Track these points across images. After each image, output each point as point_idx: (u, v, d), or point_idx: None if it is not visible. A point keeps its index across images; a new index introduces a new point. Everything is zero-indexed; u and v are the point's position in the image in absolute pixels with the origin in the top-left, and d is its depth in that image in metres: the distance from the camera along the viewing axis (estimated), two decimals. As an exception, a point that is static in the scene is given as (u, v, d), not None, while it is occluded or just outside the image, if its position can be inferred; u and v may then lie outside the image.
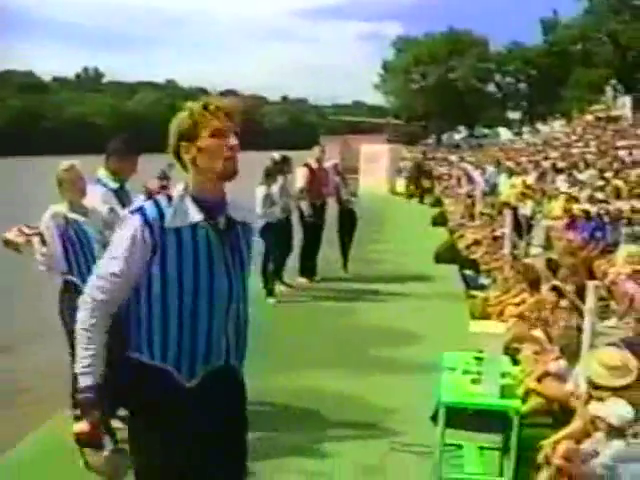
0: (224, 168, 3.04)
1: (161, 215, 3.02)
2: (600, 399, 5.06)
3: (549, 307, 7.69)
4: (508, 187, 20.88)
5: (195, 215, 3.04)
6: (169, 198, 3.08)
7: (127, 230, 3.01)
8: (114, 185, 6.25)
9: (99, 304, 3.08)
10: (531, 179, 21.44)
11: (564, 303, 7.41)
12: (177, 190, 3.11)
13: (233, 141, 3.05)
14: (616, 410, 4.84)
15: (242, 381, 3.48)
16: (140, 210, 3.04)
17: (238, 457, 3.49)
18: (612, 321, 8.18)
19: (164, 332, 3.04)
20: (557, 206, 15.87)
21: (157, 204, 3.05)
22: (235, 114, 3.08)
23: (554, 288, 7.68)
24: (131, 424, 3.25)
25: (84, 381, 3.08)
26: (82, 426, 3.06)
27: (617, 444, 4.73)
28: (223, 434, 3.31)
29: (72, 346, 5.55)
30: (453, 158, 42.79)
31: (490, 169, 27.28)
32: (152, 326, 3.05)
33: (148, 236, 2.98)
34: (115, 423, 6.28)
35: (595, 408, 5.07)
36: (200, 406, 3.13)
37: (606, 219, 12.51)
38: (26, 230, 5.27)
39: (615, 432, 4.78)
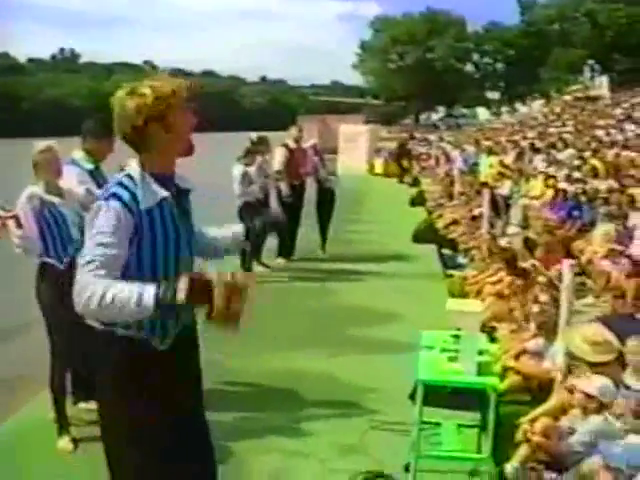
0: (188, 144, 3.27)
1: (134, 196, 3.13)
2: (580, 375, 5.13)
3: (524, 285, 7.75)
4: (487, 167, 20.93)
5: (161, 192, 3.20)
6: (130, 177, 3.20)
7: (110, 215, 3.07)
8: (89, 166, 6.21)
9: (101, 279, 2.99)
10: (509, 159, 21.49)
11: (541, 279, 7.45)
12: (133, 169, 3.23)
13: (193, 119, 3.27)
14: (597, 383, 4.90)
15: (197, 341, 3.58)
16: (115, 195, 3.11)
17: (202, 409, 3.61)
18: (589, 299, 8.22)
19: None
20: (536, 185, 15.94)
21: (126, 187, 3.15)
22: (193, 91, 3.31)
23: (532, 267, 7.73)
24: (114, 397, 3.31)
25: (152, 302, 2.89)
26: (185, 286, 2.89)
27: (595, 420, 4.78)
28: (195, 388, 3.54)
29: (49, 327, 5.55)
30: (432, 138, 42.82)
31: (469, 149, 27.33)
32: None
33: (130, 218, 3.08)
34: (94, 405, 6.32)
35: (577, 381, 5.13)
36: (173, 366, 3.32)
37: (583, 198, 12.58)
38: (1, 213, 5.22)
39: (593, 408, 4.83)
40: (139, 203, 3.12)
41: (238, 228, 3.86)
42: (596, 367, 5.13)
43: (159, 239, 3.19)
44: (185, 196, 3.43)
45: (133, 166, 3.26)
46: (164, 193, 3.20)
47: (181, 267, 3.26)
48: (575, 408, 5.03)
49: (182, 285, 2.87)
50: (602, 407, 4.85)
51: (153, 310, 2.89)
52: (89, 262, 3.03)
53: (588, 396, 4.88)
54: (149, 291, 2.89)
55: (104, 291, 2.92)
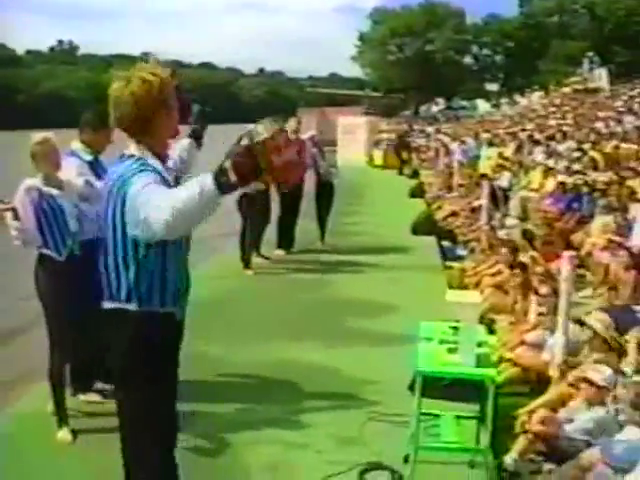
0: (175, 131, 3.51)
1: (160, 173, 3.34)
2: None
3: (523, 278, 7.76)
4: (485, 159, 20.91)
5: (162, 171, 3.38)
6: (139, 161, 3.33)
7: (150, 179, 3.19)
8: (89, 157, 6.20)
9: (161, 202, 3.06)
10: (509, 151, 21.46)
11: (539, 270, 7.45)
12: (140, 153, 3.36)
13: (177, 106, 3.45)
14: (605, 374, 4.94)
15: None
16: (142, 171, 3.25)
17: None
18: (587, 291, 8.23)
19: (163, 279, 3.38)
20: (535, 177, 15.92)
21: (148, 167, 3.30)
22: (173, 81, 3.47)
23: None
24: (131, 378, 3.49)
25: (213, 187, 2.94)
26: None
27: (598, 409, 4.81)
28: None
29: (48, 317, 5.55)
30: (429, 130, 42.75)
31: (470, 141, 27.29)
32: (153, 276, 3.35)
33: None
34: (93, 397, 6.35)
35: (581, 370, 5.17)
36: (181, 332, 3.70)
37: (584, 190, 12.55)
38: (-1, 205, 5.21)
39: (597, 398, 4.86)
40: (166, 179, 3.35)
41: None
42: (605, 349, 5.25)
43: None
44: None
45: (137, 151, 3.38)
46: (164, 173, 3.38)
47: (179, 243, 3.46)
48: (576, 399, 5.05)
49: (230, 163, 2.94)
50: (606, 398, 4.89)
51: (216, 193, 2.91)
52: (152, 193, 3.10)
53: (596, 386, 4.91)
54: (206, 179, 2.94)
55: (168, 199, 3.00)
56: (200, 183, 2.93)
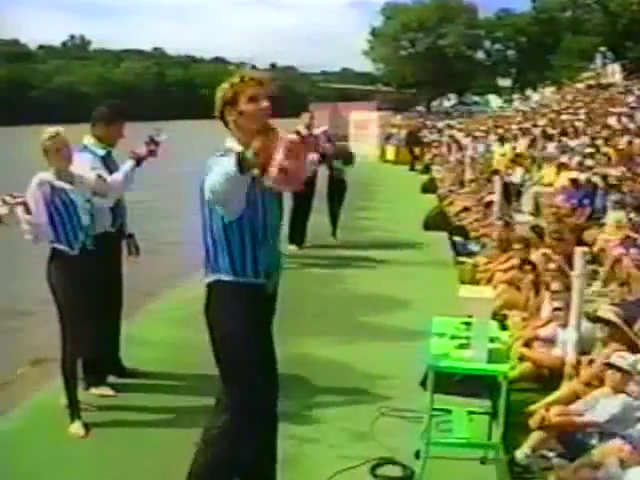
0: (259, 126, 3.69)
1: None
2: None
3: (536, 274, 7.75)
4: (498, 155, 20.86)
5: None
6: (230, 153, 3.63)
7: (227, 167, 3.48)
8: (101, 152, 6.22)
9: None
10: (521, 146, 21.41)
11: (551, 266, 7.44)
12: (233, 145, 3.77)
13: (264, 104, 3.79)
14: (625, 357, 4.97)
15: None
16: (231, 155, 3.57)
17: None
18: (599, 287, 8.22)
19: (254, 254, 3.85)
20: (548, 173, 15.88)
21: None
22: (266, 82, 3.87)
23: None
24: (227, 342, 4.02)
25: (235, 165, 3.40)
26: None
27: (620, 397, 4.82)
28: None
29: (61, 315, 5.56)
30: (440, 125, 42.66)
31: (481, 136, 27.26)
32: (246, 251, 3.83)
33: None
34: (105, 391, 6.37)
35: (604, 356, 5.20)
36: (273, 304, 4.22)
37: (601, 184, 12.51)
38: (9, 200, 5.20)
39: (622, 384, 4.88)
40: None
41: None
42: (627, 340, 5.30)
43: (261, 201, 3.83)
44: None
45: (232, 143, 3.80)
46: None
47: (277, 232, 4.09)
48: (592, 393, 5.07)
49: (254, 143, 3.38)
50: (629, 385, 4.93)
51: (238, 173, 3.39)
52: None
53: (622, 372, 4.93)
54: (232, 159, 3.41)
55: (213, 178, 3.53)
56: (226, 166, 3.42)
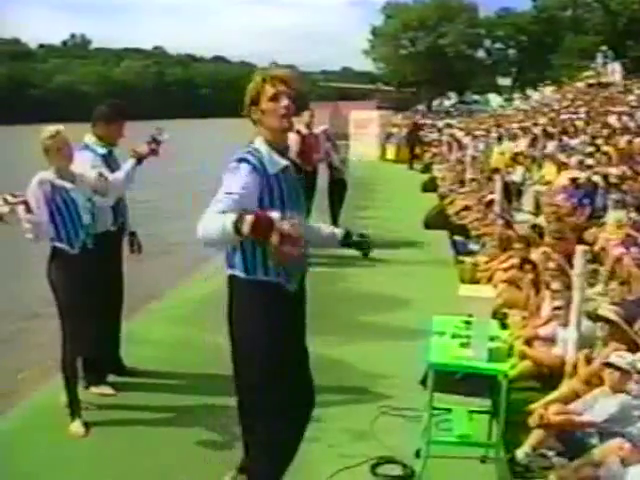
0: (280, 124, 3.91)
1: (260, 162, 3.85)
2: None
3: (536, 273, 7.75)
4: (497, 153, 20.84)
5: (282, 161, 3.95)
6: (256, 149, 3.92)
7: (238, 173, 3.77)
8: (102, 151, 6.23)
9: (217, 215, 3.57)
10: (522, 145, 21.39)
11: (551, 265, 7.44)
12: (259, 142, 3.95)
13: (285, 102, 3.88)
14: (624, 356, 4.97)
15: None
16: (245, 160, 3.83)
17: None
18: (599, 287, 8.21)
19: (265, 252, 3.81)
20: (549, 172, 15.87)
21: (254, 155, 3.87)
22: (289, 80, 3.94)
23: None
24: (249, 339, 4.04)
25: (231, 228, 3.42)
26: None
27: (620, 396, 4.82)
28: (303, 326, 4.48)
29: (61, 313, 5.56)
30: (439, 125, 42.62)
31: (481, 136, 27.24)
32: (266, 251, 3.75)
33: (257, 177, 3.79)
34: (105, 390, 6.37)
35: (604, 355, 5.20)
36: (298, 304, 4.30)
37: (602, 183, 12.50)
38: (10, 199, 5.20)
39: (620, 384, 4.88)
40: (266, 168, 3.85)
41: (339, 232, 4.70)
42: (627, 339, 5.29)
43: (281, 198, 3.90)
44: (293, 165, 4.08)
45: (258, 139, 3.97)
46: (284, 162, 3.95)
47: None
48: (591, 392, 5.07)
49: (249, 219, 3.34)
50: (628, 385, 4.93)
51: (234, 234, 3.40)
52: (214, 204, 3.62)
53: (621, 371, 4.93)
54: (230, 219, 3.41)
55: (207, 221, 3.55)
56: (224, 221, 3.43)
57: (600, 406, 4.88)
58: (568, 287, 6.47)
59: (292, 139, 12.52)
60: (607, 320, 5.74)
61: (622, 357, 5.05)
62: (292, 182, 4.01)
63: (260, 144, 3.94)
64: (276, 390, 4.07)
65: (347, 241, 4.65)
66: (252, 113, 3.97)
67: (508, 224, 10.77)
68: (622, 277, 7.66)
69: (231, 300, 4.09)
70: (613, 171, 13.17)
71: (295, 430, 4.37)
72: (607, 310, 5.84)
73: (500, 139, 23.82)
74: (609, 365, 5.06)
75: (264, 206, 3.77)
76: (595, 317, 5.92)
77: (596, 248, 8.97)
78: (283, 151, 4.01)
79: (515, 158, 18.20)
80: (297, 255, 3.47)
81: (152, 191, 18.21)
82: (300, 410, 4.37)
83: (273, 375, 4.05)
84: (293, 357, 4.25)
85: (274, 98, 3.88)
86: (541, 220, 11.11)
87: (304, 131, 12.51)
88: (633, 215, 10.12)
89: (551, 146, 19.57)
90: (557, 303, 6.59)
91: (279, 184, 3.90)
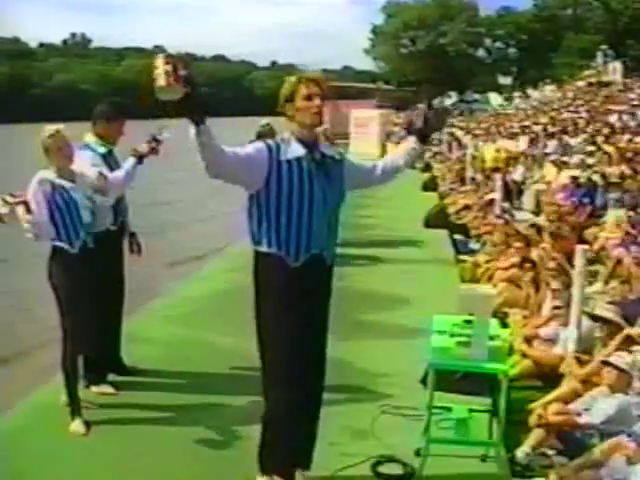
0: (312, 120, 4.31)
1: (277, 148, 4.28)
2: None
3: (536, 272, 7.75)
4: (493, 152, 20.81)
5: (299, 150, 4.30)
6: (282, 140, 4.34)
7: (252, 145, 4.29)
8: (103, 150, 6.23)
9: None
10: (522, 144, 21.40)
11: (551, 265, 7.44)
12: (287, 134, 4.35)
13: (317, 102, 4.26)
14: (622, 356, 4.97)
15: (332, 267, 4.70)
16: (266, 144, 4.30)
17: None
18: (599, 286, 8.21)
19: (277, 228, 4.27)
20: (550, 171, 15.87)
21: (277, 143, 4.31)
22: (321, 83, 4.32)
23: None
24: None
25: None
26: None
27: (619, 396, 4.82)
28: (323, 307, 4.69)
29: (61, 309, 5.56)
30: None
31: (480, 135, 27.27)
32: (269, 224, 4.27)
33: (266, 157, 4.23)
34: (106, 389, 6.37)
35: (604, 355, 5.19)
36: (303, 283, 4.37)
37: (601, 182, 12.50)
38: (9, 199, 5.19)
39: (619, 384, 4.87)
40: (280, 154, 4.25)
41: (410, 144, 4.94)
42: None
43: (294, 181, 4.25)
44: (332, 159, 4.48)
45: (286, 133, 4.37)
46: (301, 152, 4.29)
47: (314, 217, 4.32)
48: (590, 392, 5.06)
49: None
50: (628, 385, 4.92)
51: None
52: None
53: (619, 371, 4.93)
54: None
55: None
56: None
57: (598, 407, 4.88)
58: (568, 286, 6.48)
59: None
60: (607, 320, 5.74)
61: (621, 357, 5.05)
62: (312, 170, 4.31)
63: (289, 136, 4.35)
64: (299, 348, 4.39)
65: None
66: (287, 110, 4.35)
67: (508, 223, 10.77)
68: (623, 276, 7.66)
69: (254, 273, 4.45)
70: (613, 170, 13.18)
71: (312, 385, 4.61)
72: (605, 310, 5.84)
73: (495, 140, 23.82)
74: (607, 364, 5.06)
75: (270, 186, 4.20)
76: (595, 317, 5.92)
77: (596, 247, 8.98)
78: (311, 144, 4.37)
79: (515, 157, 18.21)
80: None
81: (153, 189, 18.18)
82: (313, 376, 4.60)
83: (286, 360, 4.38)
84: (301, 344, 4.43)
85: (308, 98, 4.26)
86: (541, 219, 11.11)
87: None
88: (631, 214, 10.13)
89: (551, 145, 19.57)
90: (557, 302, 6.59)
91: (290, 170, 4.25)
